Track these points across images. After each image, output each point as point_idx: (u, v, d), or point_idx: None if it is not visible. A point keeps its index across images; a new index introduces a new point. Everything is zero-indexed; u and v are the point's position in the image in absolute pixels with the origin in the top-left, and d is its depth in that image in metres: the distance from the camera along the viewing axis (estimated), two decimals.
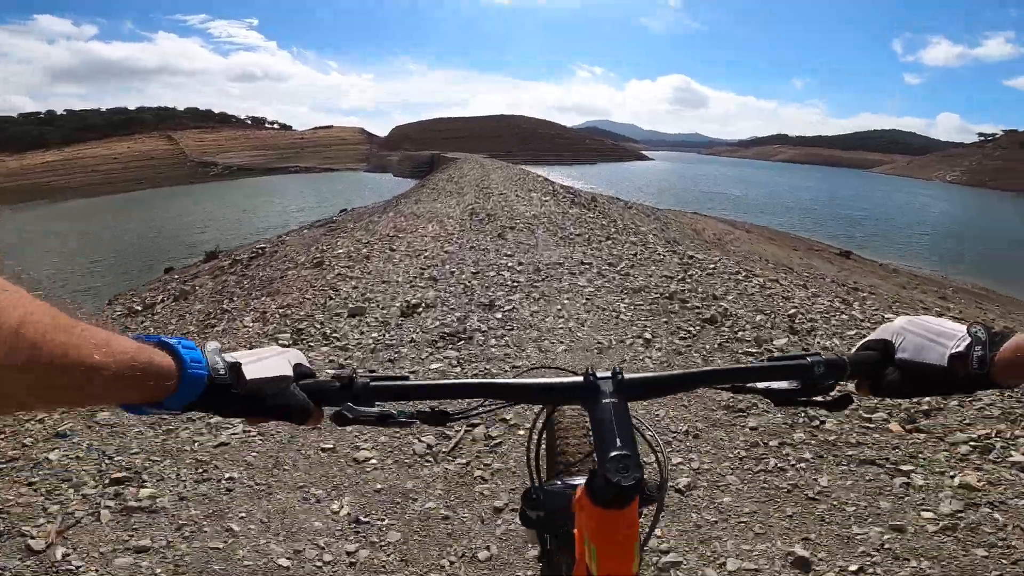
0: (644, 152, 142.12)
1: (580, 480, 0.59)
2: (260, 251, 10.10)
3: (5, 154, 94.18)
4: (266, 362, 0.53)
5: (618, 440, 0.51)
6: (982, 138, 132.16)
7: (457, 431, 2.45)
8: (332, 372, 0.57)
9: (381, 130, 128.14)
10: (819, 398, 0.60)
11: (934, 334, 0.57)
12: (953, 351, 0.55)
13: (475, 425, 2.49)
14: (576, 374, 0.59)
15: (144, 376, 0.42)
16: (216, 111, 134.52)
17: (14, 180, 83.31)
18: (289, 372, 0.54)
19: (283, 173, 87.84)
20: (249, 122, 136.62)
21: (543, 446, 0.89)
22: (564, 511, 0.62)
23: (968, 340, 0.54)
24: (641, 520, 0.60)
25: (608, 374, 0.57)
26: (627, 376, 0.57)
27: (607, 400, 0.55)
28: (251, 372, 0.51)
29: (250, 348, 0.56)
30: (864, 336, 0.64)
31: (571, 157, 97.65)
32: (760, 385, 0.62)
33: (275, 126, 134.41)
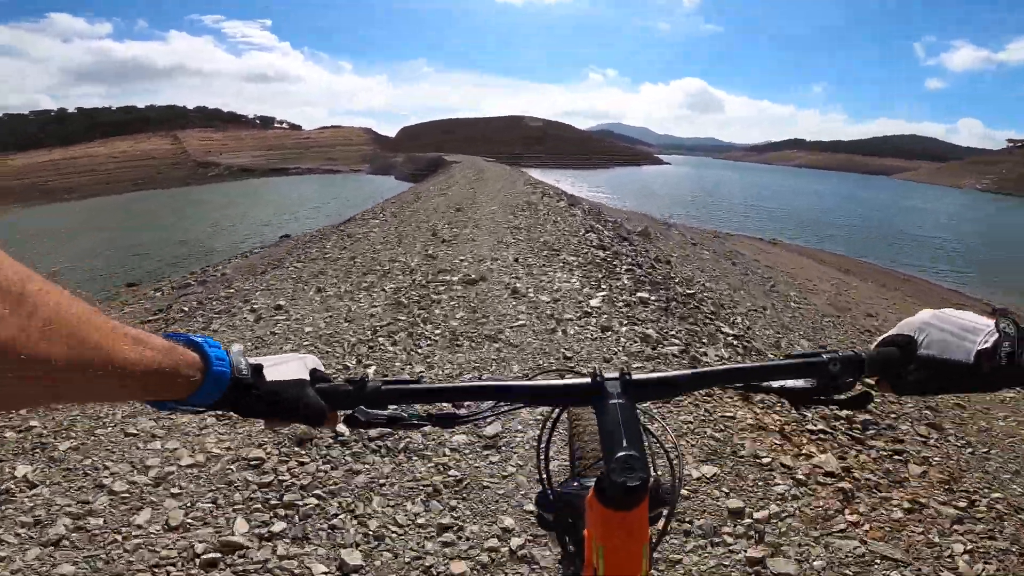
0: (659, 156, 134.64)
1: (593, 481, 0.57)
2: None
3: (13, 152, 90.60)
4: (285, 366, 0.54)
5: (624, 441, 0.49)
6: (1012, 144, 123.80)
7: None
8: (345, 377, 0.57)
9: (393, 131, 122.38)
10: (837, 396, 0.58)
11: (960, 329, 0.54)
12: (980, 347, 0.52)
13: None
14: (586, 375, 0.57)
15: (173, 373, 0.43)
16: (226, 111, 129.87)
17: (17, 179, 79.27)
18: (306, 376, 0.55)
19: (284, 174, 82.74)
20: (258, 122, 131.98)
21: (560, 447, 0.91)
22: (579, 512, 0.60)
23: (996, 335, 0.51)
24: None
25: (616, 375, 0.55)
26: (635, 376, 0.56)
27: (614, 401, 0.53)
28: (271, 374, 0.51)
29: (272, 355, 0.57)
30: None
31: (583, 160, 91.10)
32: (775, 384, 0.59)
33: (284, 126, 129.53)
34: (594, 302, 3.47)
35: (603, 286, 3.85)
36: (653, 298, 3.74)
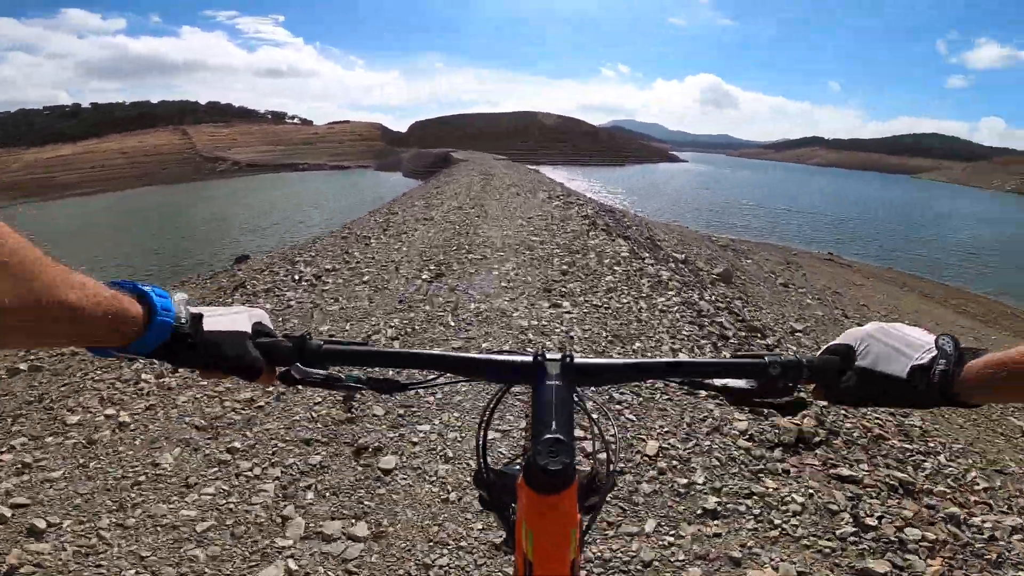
0: (674, 153, 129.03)
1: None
2: None
3: (23, 147, 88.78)
4: (227, 317, 0.52)
5: (553, 423, 0.47)
6: None
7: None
8: (285, 333, 0.55)
9: (406, 127, 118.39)
10: (774, 400, 0.57)
11: (900, 343, 0.52)
12: (915, 362, 0.50)
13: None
14: (529, 354, 0.55)
15: (115, 320, 0.42)
16: (237, 105, 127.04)
17: (23, 174, 77.26)
18: (247, 329, 0.53)
19: (291, 170, 79.63)
20: (269, 117, 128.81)
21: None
22: (513, 494, 0.59)
23: (934, 352, 0.50)
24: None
25: (557, 356, 0.54)
26: (576, 360, 0.54)
27: (551, 382, 0.52)
28: (210, 324, 0.50)
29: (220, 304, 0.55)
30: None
31: (596, 158, 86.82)
32: (717, 382, 0.58)
33: (296, 121, 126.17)
34: None
35: None
36: None
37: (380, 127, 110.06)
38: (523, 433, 0.88)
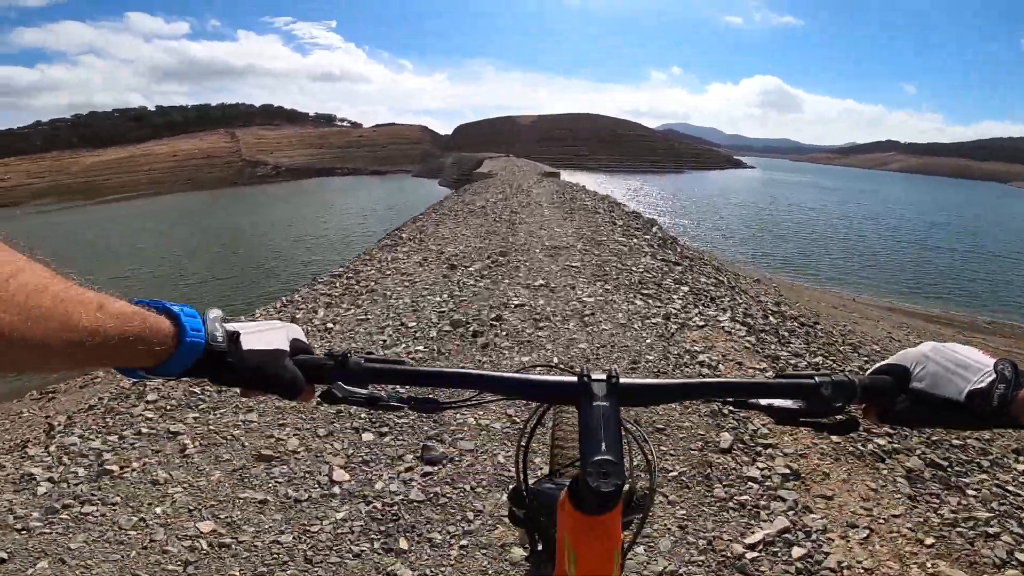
0: (738, 157, 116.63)
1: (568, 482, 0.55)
2: None
3: (87, 150, 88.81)
4: (264, 335, 0.51)
5: (603, 445, 0.46)
6: None
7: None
8: (327, 351, 0.54)
9: (451, 129, 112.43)
10: (823, 420, 0.55)
11: (957, 365, 0.51)
12: (974, 387, 0.49)
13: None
14: (573, 374, 0.54)
15: (139, 340, 0.40)
16: (288, 108, 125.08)
17: (80, 177, 76.33)
18: (285, 347, 0.52)
19: (330, 175, 75.00)
20: (319, 119, 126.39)
21: (546, 444, 0.81)
22: (551, 512, 0.57)
23: (992, 376, 0.48)
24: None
25: (603, 376, 0.52)
26: (623, 381, 0.52)
27: (598, 403, 0.50)
28: (248, 343, 0.48)
29: (253, 320, 0.55)
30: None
31: (653, 163, 77.41)
32: (763, 402, 0.55)
33: (345, 123, 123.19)
34: None
35: None
36: None
37: (425, 130, 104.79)
38: (551, 454, 0.84)
